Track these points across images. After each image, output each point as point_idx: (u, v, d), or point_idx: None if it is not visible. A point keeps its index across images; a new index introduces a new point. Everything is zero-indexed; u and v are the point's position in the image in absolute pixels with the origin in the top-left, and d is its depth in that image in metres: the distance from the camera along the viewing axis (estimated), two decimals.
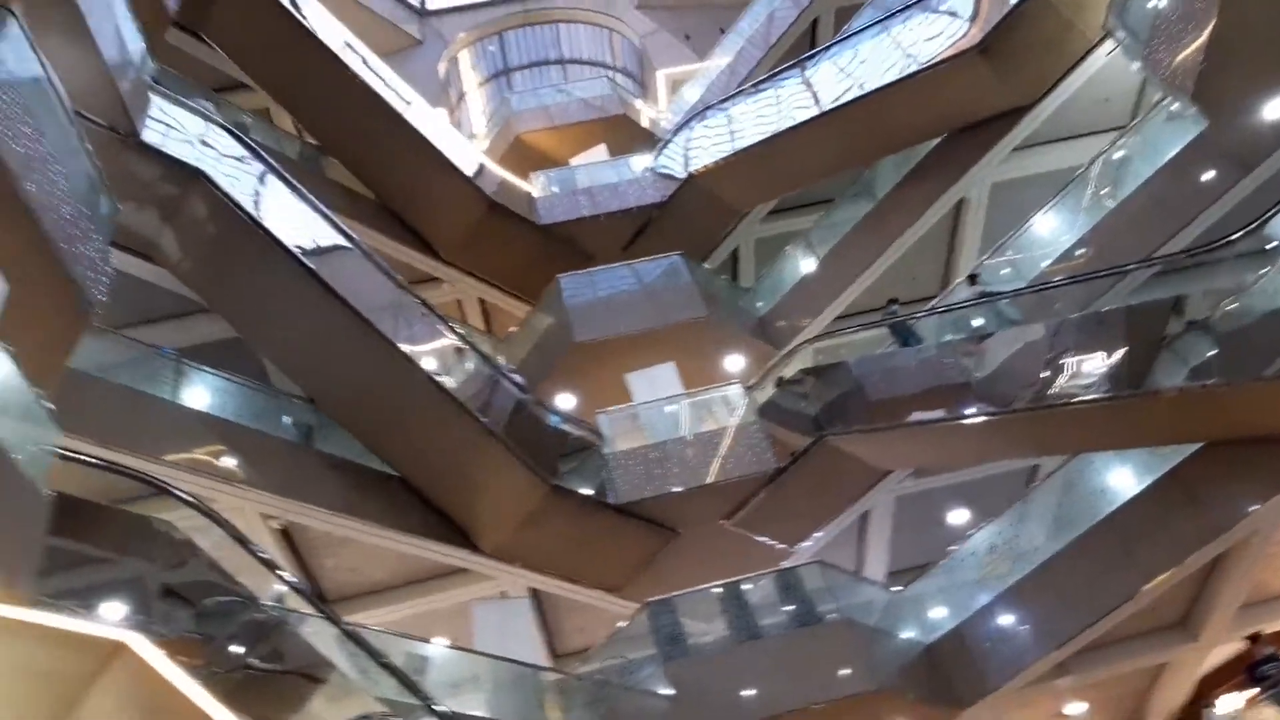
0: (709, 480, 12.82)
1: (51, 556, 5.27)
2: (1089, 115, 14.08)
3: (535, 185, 18.23)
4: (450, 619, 12.66)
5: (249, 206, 11.47)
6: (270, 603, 8.69)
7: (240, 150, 12.08)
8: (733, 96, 17.70)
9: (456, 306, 18.01)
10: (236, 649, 7.41)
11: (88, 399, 9.14)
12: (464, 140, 20.53)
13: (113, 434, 9.25)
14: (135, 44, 10.25)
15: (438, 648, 11.26)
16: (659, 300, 15.02)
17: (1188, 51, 9.95)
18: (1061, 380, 10.26)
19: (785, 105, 16.20)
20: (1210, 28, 9.49)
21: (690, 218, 17.37)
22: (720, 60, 21.65)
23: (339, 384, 11.92)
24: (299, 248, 11.96)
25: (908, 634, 11.18)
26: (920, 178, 15.32)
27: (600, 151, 19.36)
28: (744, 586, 11.37)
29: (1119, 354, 9.83)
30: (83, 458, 7.34)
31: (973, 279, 13.47)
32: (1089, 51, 13.11)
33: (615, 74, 24.97)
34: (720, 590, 11.29)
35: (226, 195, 11.06)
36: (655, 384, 14.12)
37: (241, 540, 8.35)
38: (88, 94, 9.08)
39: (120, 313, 11.40)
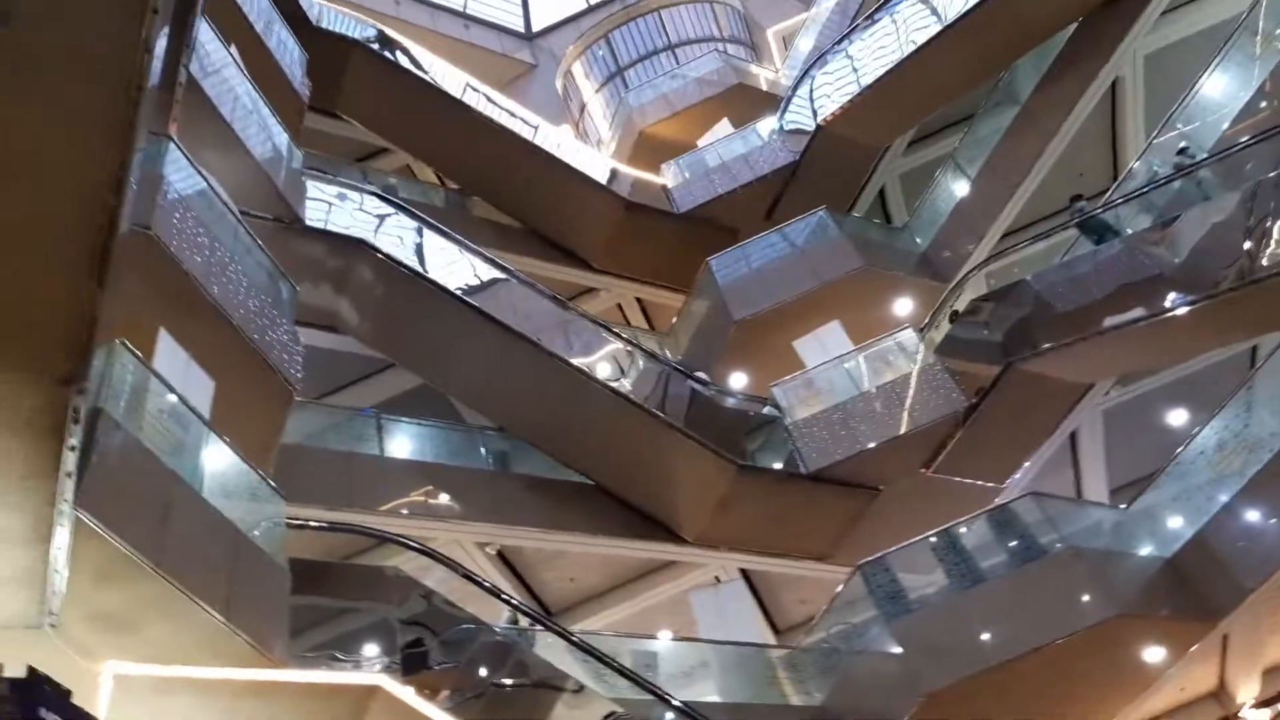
0: (901, 431, 12.49)
1: (298, 616, 5.84)
2: None
3: (667, 176, 18.31)
4: (671, 611, 13.02)
5: (410, 261, 12.33)
6: (502, 625, 9.27)
7: (391, 210, 12.93)
8: (847, 35, 17.10)
9: (618, 310, 18.41)
10: (478, 673, 7.94)
11: (304, 468, 10.01)
12: (592, 150, 20.93)
13: (332, 495, 10.12)
14: (281, 137, 11.19)
15: (663, 641, 11.61)
16: (811, 260, 14.73)
17: None
18: (1269, 248, 9.41)
19: (904, 29, 15.53)
20: None
21: (828, 169, 16.92)
22: (828, 2, 21.00)
23: (523, 407, 12.58)
24: (461, 288, 12.70)
25: (1145, 550, 10.51)
26: (1066, 66, 14.26)
27: (724, 127, 19.18)
28: (957, 532, 11.02)
29: None
30: (311, 523, 8.09)
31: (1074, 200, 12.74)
32: None
33: (725, 45, 24.68)
34: (934, 540, 10.99)
35: (388, 256, 11.97)
36: (825, 345, 13.89)
37: (468, 575, 8.96)
38: (248, 193, 9.98)
39: (318, 383, 12.48)
